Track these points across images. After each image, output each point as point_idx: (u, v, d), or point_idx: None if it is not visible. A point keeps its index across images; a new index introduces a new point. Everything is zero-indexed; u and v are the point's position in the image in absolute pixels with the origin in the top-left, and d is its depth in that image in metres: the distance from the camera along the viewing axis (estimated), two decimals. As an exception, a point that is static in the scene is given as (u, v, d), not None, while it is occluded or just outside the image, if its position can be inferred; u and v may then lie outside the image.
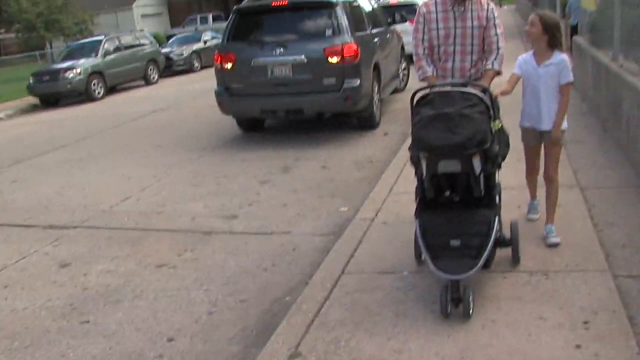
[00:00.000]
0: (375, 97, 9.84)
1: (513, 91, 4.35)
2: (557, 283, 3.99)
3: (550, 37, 4.37)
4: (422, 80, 4.76)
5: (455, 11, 4.59)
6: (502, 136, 4.01)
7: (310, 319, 3.90)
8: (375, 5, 11.68)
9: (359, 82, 9.02)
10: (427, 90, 4.01)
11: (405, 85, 13.05)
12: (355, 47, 9.00)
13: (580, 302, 3.73)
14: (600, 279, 3.98)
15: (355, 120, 9.91)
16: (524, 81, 4.54)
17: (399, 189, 6.22)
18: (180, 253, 5.59)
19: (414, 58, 4.81)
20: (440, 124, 3.67)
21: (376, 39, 10.43)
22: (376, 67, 9.96)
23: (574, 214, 5.07)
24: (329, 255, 4.94)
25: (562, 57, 4.44)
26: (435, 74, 4.72)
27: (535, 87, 4.48)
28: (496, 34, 4.62)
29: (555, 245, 4.50)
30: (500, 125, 3.96)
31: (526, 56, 4.56)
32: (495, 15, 4.63)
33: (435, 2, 4.66)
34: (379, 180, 6.77)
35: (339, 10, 9.19)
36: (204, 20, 40.28)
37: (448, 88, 4.00)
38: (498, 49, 4.62)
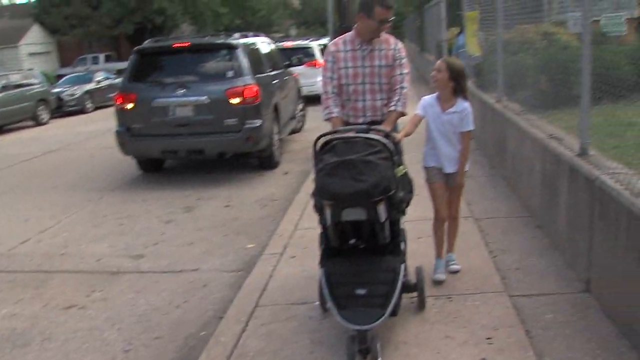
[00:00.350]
0: (275, 137, 10.06)
1: (416, 129, 4.44)
2: (460, 305, 4.30)
3: (456, 84, 4.40)
4: (327, 120, 4.68)
5: (363, 50, 4.57)
6: (406, 182, 3.94)
7: (229, 350, 3.99)
8: (273, 48, 11.95)
9: (259, 122, 9.20)
10: (330, 136, 3.93)
11: (302, 125, 13.37)
12: (255, 88, 9.20)
13: (482, 321, 4.05)
14: (498, 299, 4.33)
15: (256, 160, 10.09)
16: (428, 123, 4.54)
17: (303, 224, 6.41)
18: (88, 294, 5.50)
19: (322, 96, 4.70)
20: (344, 171, 3.58)
21: (275, 81, 10.68)
22: (276, 108, 10.19)
23: (471, 242, 5.45)
24: (241, 290, 5.03)
25: (465, 105, 4.46)
26: (340, 115, 4.62)
27: (438, 132, 4.51)
28: (401, 74, 4.59)
29: (457, 271, 4.81)
30: (404, 171, 3.91)
31: (430, 99, 4.54)
32: (402, 55, 4.62)
33: (344, 41, 4.64)
34: (283, 217, 6.94)
35: (240, 53, 9.40)
36: (96, 60, 39.49)
37: (351, 134, 3.94)
38: (402, 89, 4.57)
